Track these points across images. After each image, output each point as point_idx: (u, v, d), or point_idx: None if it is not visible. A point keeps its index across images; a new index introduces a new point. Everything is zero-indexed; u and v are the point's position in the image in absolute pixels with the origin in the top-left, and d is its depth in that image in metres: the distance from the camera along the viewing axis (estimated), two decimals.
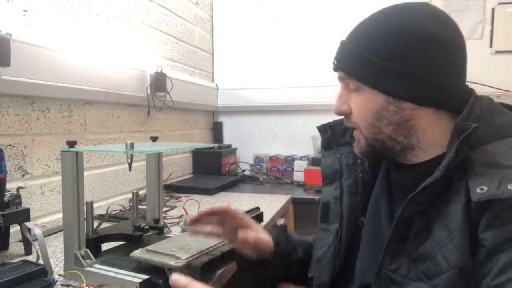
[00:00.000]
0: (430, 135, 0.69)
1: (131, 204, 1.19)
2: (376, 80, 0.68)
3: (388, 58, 0.66)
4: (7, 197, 0.95)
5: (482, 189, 0.56)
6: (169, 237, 1.05)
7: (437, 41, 0.65)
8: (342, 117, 0.78)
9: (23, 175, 1.16)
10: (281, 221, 0.95)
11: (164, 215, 1.33)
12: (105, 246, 0.98)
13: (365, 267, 0.77)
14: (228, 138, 2.58)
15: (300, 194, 1.93)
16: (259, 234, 0.86)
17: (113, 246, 1.01)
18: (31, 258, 0.93)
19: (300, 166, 2.19)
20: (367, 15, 0.73)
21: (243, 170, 2.32)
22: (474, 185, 0.58)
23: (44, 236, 0.97)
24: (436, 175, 0.62)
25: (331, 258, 0.81)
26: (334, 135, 0.87)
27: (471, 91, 0.70)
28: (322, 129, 0.89)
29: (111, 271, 0.83)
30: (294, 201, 1.84)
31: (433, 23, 0.66)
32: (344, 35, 0.75)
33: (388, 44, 0.66)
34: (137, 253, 0.84)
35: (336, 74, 0.76)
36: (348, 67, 0.71)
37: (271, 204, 1.62)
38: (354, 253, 0.81)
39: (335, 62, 0.74)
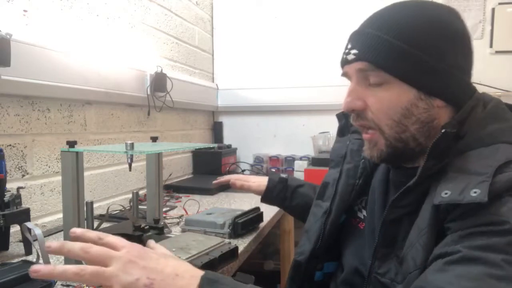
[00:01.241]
0: None
1: (131, 204, 1.19)
2: (410, 73, 0.62)
3: (423, 51, 0.62)
4: (7, 197, 0.95)
5: (446, 193, 0.56)
6: (169, 237, 1.05)
7: (467, 38, 0.65)
8: None
9: (23, 175, 1.16)
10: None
11: (164, 215, 1.33)
12: None
13: (356, 263, 0.78)
14: (228, 138, 2.58)
15: None
16: (247, 184, 1.24)
17: None
18: (31, 258, 0.93)
19: (300, 166, 2.18)
20: (368, 15, 0.69)
21: (243, 170, 2.31)
22: (441, 189, 0.57)
23: (44, 236, 0.97)
24: (413, 180, 0.62)
25: (316, 231, 0.84)
26: (347, 123, 0.87)
27: (473, 93, 0.68)
28: (339, 116, 0.90)
29: None
30: None
31: (457, 20, 0.65)
32: (343, 35, 0.71)
33: (423, 36, 0.62)
34: None
35: (338, 72, 0.71)
36: (376, 58, 0.63)
37: None
38: (342, 236, 0.84)
39: (355, 52, 0.66)
